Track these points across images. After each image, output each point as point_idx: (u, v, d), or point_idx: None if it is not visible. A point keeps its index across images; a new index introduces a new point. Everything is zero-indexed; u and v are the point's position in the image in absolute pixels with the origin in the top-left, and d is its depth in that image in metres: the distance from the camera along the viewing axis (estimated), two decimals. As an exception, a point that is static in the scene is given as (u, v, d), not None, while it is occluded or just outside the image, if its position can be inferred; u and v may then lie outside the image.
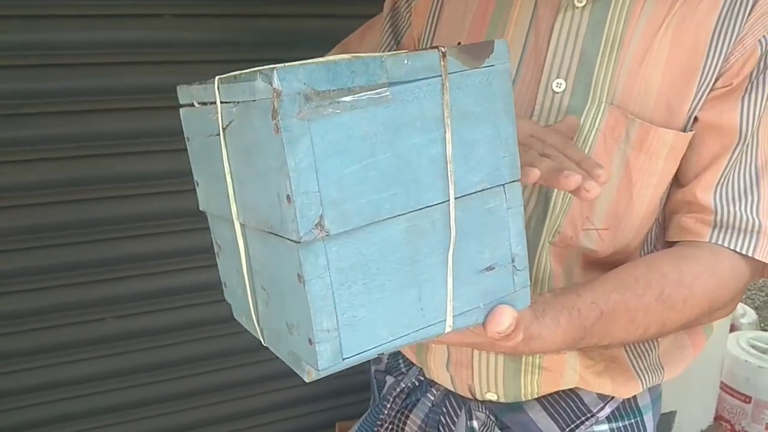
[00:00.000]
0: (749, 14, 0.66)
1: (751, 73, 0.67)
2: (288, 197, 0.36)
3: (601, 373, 0.76)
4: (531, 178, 0.52)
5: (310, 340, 0.39)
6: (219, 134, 0.43)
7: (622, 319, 0.63)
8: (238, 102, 0.39)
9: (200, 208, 0.55)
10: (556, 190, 0.70)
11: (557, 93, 0.70)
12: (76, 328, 1.34)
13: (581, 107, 0.69)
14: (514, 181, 0.48)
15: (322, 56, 0.92)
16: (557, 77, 0.70)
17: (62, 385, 1.36)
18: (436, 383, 0.84)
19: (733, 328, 2.75)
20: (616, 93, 0.68)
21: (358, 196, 0.38)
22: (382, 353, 0.43)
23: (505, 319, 0.48)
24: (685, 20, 0.67)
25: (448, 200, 0.43)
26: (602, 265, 0.72)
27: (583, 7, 0.69)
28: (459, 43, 0.45)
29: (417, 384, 0.88)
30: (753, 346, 2.53)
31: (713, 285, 0.67)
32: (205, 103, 0.46)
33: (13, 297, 1.28)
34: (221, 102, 0.42)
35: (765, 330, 3.37)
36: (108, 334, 1.37)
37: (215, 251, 0.56)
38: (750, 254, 0.67)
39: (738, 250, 0.67)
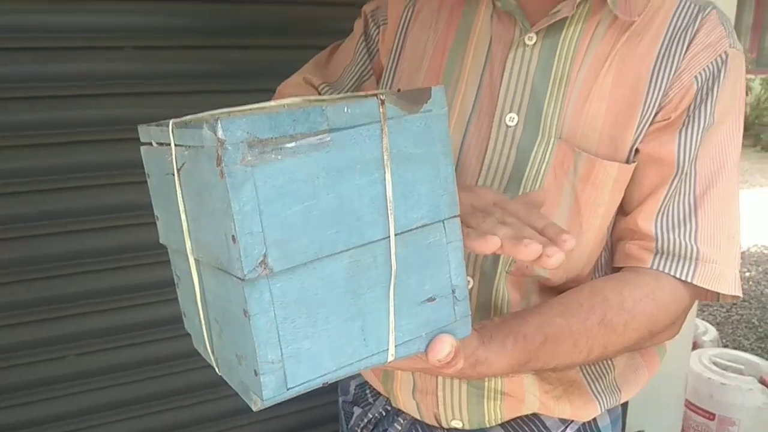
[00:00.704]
0: (686, 52, 0.71)
1: (689, 107, 0.71)
2: (233, 237, 0.38)
3: (559, 398, 0.79)
4: (490, 246, 0.52)
5: (255, 372, 0.41)
6: (174, 174, 0.45)
7: (565, 342, 0.66)
8: (189, 146, 0.42)
9: (160, 242, 0.56)
10: None
11: (510, 127, 0.74)
12: (35, 367, 1.30)
13: (533, 141, 0.73)
14: (453, 216, 0.51)
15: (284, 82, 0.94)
16: (510, 111, 0.74)
17: (23, 427, 1.32)
18: (403, 412, 0.86)
19: (695, 346, 2.82)
20: (564, 128, 0.72)
21: (300, 235, 0.41)
22: (327, 382, 0.45)
23: (444, 348, 0.51)
24: (627, 58, 0.72)
25: (389, 237, 0.46)
26: (557, 291, 0.75)
27: (533, 45, 0.74)
28: (399, 90, 0.48)
29: (384, 414, 0.89)
30: (715, 363, 2.60)
31: (653, 309, 0.70)
32: (162, 144, 0.48)
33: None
34: (175, 144, 0.44)
35: (726, 346, 3.48)
36: (70, 372, 1.34)
37: (175, 282, 0.58)
38: (689, 280, 0.70)
39: (677, 276, 0.71)
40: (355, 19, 0.93)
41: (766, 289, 4.41)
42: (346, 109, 0.42)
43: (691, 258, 0.71)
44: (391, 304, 0.47)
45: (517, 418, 0.81)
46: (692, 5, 0.73)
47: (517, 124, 0.74)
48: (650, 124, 0.71)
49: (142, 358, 1.39)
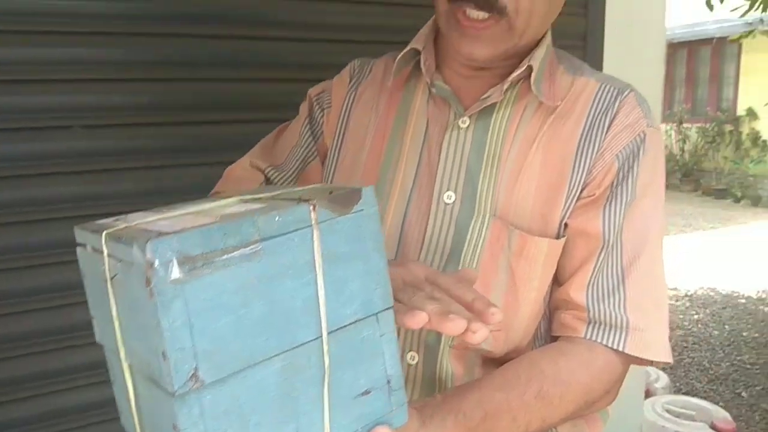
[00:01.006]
0: (607, 131, 0.76)
1: (611, 184, 0.76)
2: (163, 354, 0.39)
3: None
4: (417, 321, 0.53)
5: (186, 484, 0.41)
6: (107, 282, 0.46)
7: (505, 418, 0.68)
8: (121, 259, 0.42)
9: (96, 341, 0.56)
10: None
11: (448, 204, 0.78)
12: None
13: (469, 218, 0.76)
14: (386, 309, 0.52)
15: (233, 161, 0.95)
16: (447, 189, 0.78)
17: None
18: None
19: (648, 394, 2.87)
20: (498, 205, 0.76)
21: (231, 345, 0.42)
22: None
23: None
24: (553, 139, 0.77)
25: (321, 336, 0.47)
26: (500, 363, 0.77)
27: (467, 127, 0.78)
28: (330, 192, 0.50)
29: None
30: (668, 411, 2.65)
31: (588, 379, 0.73)
32: (96, 249, 0.48)
33: None
34: (108, 255, 0.44)
35: (680, 390, 3.55)
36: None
37: (111, 380, 0.57)
38: (620, 349, 0.73)
39: (609, 345, 0.73)
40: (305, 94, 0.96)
41: (715, 331, 4.55)
42: (277, 218, 0.44)
43: (621, 327, 0.74)
44: (326, 403, 0.48)
45: None
46: (611, 88, 0.79)
47: (454, 201, 0.77)
48: (577, 200, 0.76)
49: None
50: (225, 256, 0.41)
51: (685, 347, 4.28)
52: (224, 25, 1.35)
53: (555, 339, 0.79)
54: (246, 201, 0.53)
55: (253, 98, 1.40)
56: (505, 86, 0.76)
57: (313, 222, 0.46)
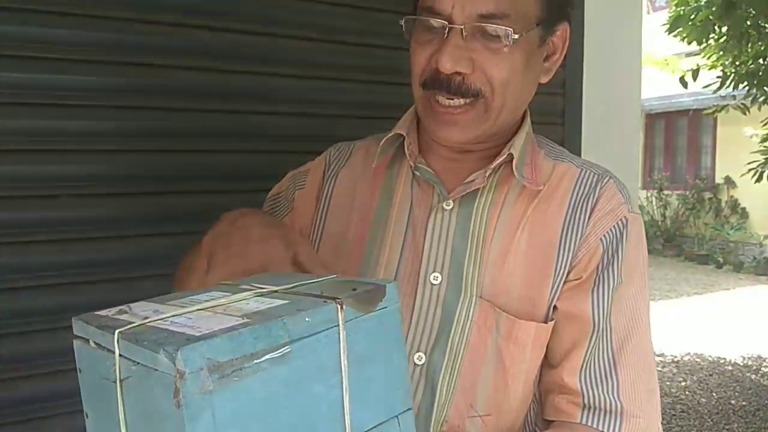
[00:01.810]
0: (590, 217, 0.77)
1: (597, 267, 0.76)
2: (187, 469, 0.36)
3: None
4: None
5: None
6: (116, 383, 0.43)
7: None
8: (137, 363, 0.40)
9: None
10: (441, 379, 0.75)
11: (434, 285, 0.77)
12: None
13: (456, 299, 0.76)
14: (407, 410, 0.50)
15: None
16: (433, 271, 0.78)
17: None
18: None
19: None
20: (484, 288, 0.76)
21: None
22: None
23: None
24: (537, 223, 0.78)
25: (346, 441, 0.45)
26: None
27: (451, 209, 0.79)
28: (354, 289, 0.48)
29: None
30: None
31: None
32: (101, 347, 0.46)
33: None
34: (120, 356, 0.42)
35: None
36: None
37: None
38: None
39: (606, 431, 0.73)
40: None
41: (703, 398, 4.50)
42: (306, 318, 0.42)
43: (616, 413, 0.74)
44: None
45: None
46: (591, 174, 0.80)
47: (441, 282, 0.77)
48: (564, 283, 0.76)
49: None
50: (255, 362, 0.39)
51: (674, 415, 4.22)
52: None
53: (547, 422, 0.79)
54: (263, 294, 0.51)
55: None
56: (488, 173, 0.77)
57: (340, 322, 0.45)
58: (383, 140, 0.83)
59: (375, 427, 0.47)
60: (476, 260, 0.77)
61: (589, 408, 0.74)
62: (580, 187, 0.79)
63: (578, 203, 0.78)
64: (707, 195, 10.50)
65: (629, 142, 2.15)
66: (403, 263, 0.80)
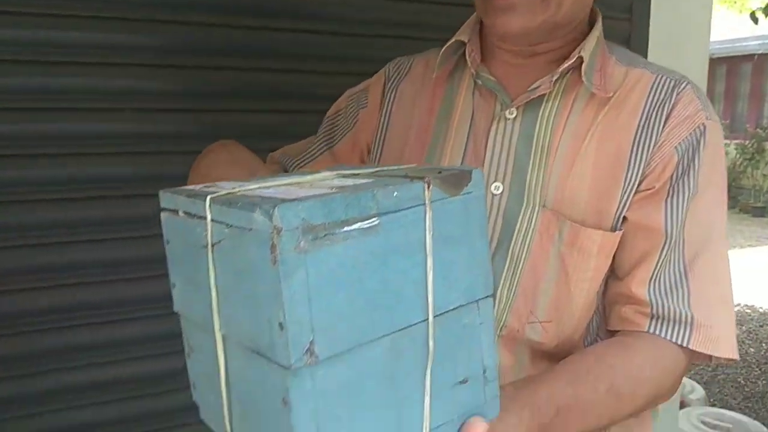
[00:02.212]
0: (665, 124, 0.73)
1: (671, 176, 0.73)
2: (281, 325, 0.37)
3: None
4: None
5: (290, 465, 0.39)
6: (206, 248, 0.44)
7: (576, 413, 0.66)
8: (231, 225, 0.41)
9: (174, 309, 0.55)
10: (501, 286, 0.75)
11: (496, 195, 0.76)
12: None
13: (518, 209, 0.75)
14: (487, 296, 0.50)
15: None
16: (495, 181, 0.76)
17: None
18: None
19: (682, 405, 2.81)
20: (548, 197, 0.74)
21: (346, 322, 0.40)
22: None
23: None
24: (608, 130, 0.74)
25: (428, 319, 0.45)
26: (550, 355, 0.76)
27: (514, 118, 0.76)
28: (440, 172, 0.48)
29: None
30: (704, 422, 2.58)
31: (657, 375, 0.71)
32: (191, 215, 0.47)
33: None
34: (212, 220, 0.43)
35: (714, 406, 3.47)
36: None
37: (185, 351, 0.56)
38: (685, 344, 0.72)
39: (674, 340, 0.72)
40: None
41: (751, 348, 4.44)
42: (395, 193, 0.42)
43: (685, 323, 0.72)
44: (428, 389, 0.46)
45: None
46: (667, 80, 0.76)
47: (502, 192, 0.76)
48: (635, 194, 0.74)
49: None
50: (345, 229, 0.39)
51: (719, 363, 4.17)
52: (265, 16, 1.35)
53: (610, 333, 0.78)
54: (345, 176, 0.51)
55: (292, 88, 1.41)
56: (555, 77, 0.74)
57: (426, 201, 0.44)
58: (444, 48, 0.81)
59: (455, 309, 0.47)
60: (540, 169, 0.75)
61: (658, 318, 0.73)
62: (655, 94, 0.75)
63: (653, 110, 0.74)
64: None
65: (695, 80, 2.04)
66: None
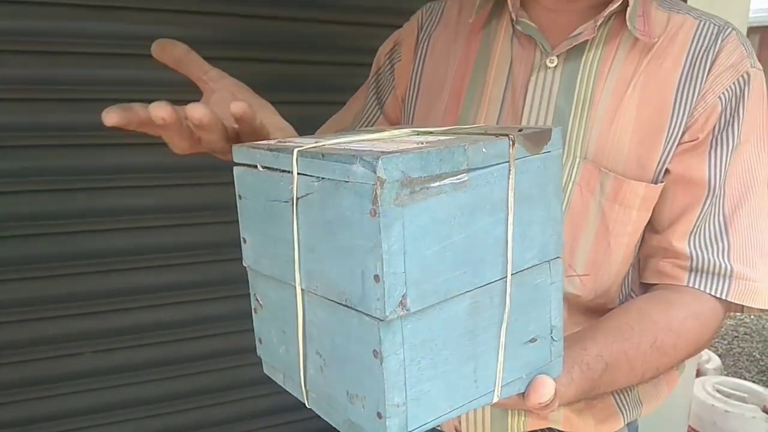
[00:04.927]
0: (709, 72, 0.72)
1: (714, 127, 0.72)
2: (376, 277, 0.37)
3: (581, 411, 0.79)
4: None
5: (379, 414, 0.40)
6: (290, 202, 0.44)
7: (623, 368, 0.67)
8: (321, 178, 0.41)
9: (245, 264, 0.55)
10: None
11: None
12: (54, 362, 1.30)
13: None
14: (557, 257, 0.50)
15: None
16: None
17: (37, 421, 1.31)
18: None
19: (698, 373, 2.83)
20: (590, 149, 0.72)
21: (435, 276, 0.40)
22: (440, 425, 0.44)
23: (547, 391, 0.50)
24: (651, 79, 0.72)
25: (506, 277, 0.46)
26: (585, 308, 0.76)
27: (555, 67, 0.74)
28: (520, 130, 0.47)
29: None
30: (719, 391, 2.60)
31: (697, 328, 0.72)
32: (272, 169, 0.47)
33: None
34: (299, 174, 0.43)
35: (728, 376, 3.49)
36: (86, 368, 1.34)
37: (253, 307, 0.57)
38: (724, 297, 0.72)
39: (713, 293, 0.72)
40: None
41: None
42: (483, 149, 0.42)
43: (725, 275, 0.72)
44: (502, 345, 0.47)
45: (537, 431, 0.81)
46: (711, 26, 0.74)
47: None
48: (677, 145, 0.72)
49: (162, 356, 1.38)
50: (438, 183, 0.39)
51: (736, 336, 4.18)
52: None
53: (645, 286, 0.78)
54: (419, 133, 0.51)
55: (333, 40, 1.39)
56: (599, 22, 0.71)
57: (511, 158, 0.44)
58: None
59: (530, 267, 0.48)
60: (582, 120, 0.73)
61: (697, 271, 0.73)
62: (698, 40, 0.73)
63: (696, 57, 0.72)
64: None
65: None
66: (501, 124, 0.76)
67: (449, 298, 0.42)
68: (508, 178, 0.44)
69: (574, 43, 0.72)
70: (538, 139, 0.47)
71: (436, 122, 0.81)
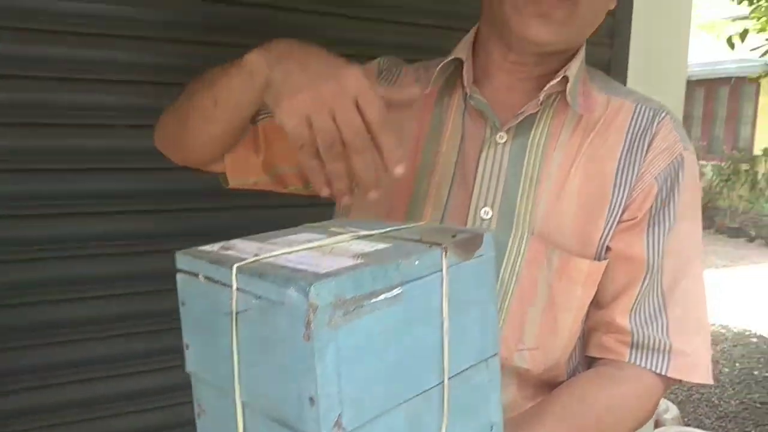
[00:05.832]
0: (646, 153, 0.76)
1: (651, 207, 0.76)
2: (311, 399, 0.38)
3: None
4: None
5: None
6: (230, 316, 0.45)
7: None
8: (260, 296, 0.42)
9: (187, 370, 0.55)
10: None
11: (485, 220, 0.77)
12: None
13: (507, 235, 0.75)
14: (494, 354, 0.52)
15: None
16: (484, 205, 0.77)
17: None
18: None
19: (657, 424, 2.84)
20: (537, 224, 0.75)
21: (372, 392, 0.41)
22: None
23: None
24: (593, 159, 0.76)
25: (443, 382, 0.47)
26: (535, 381, 0.78)
27: (504, 143, 0.77)
28: (454, 235, 0.49)
29: None
30: (678, 442, 2.61)
31: (638, 404, 0.76)
32: (213, 280, 0.47)
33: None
34: (238, 289, 0.44)
35: (688, 425, 3.51)
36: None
37: (195, 412, 0.56)
38: (664, 373, 0.75)
39: (654, 369, 0.75)
40: None
41: (725, 368, 4.51)
42: (416, 262, 0.44)
43: (664, 351, 0.75)
44: (442, 449, 0.47)
45: None
46: (647, 110, 0.78)
47: (491, 217, 0.77)
48: (618, 223, 0.76)
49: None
50: (372, 300, 0.41)
51: (693, 385, 4.24)
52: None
53: (590, 359, 0.80)
54: (360, 237, 0.52)
55: None
56: (541, 97, 0.75)
57: (444, 267, 0.46)
58: (441, 63, 0.80)
59: (466, 369, 0.49)
60: (529, 196, 0.76)
61: (638, 347, 0.75)
62: (636, 123, 0.77)
63: (634, 139, 0.76)
64: (744, 167, 10.24)
65: (672, 104, 2.08)
66: (453, 198, 0.78)
67: (386, 411, 0.43)
68: (442, 286, 0.46)
69: (520, 119, 0.76)
70: (470, 245, 0.49)
71: (392, 190, 0.81)
